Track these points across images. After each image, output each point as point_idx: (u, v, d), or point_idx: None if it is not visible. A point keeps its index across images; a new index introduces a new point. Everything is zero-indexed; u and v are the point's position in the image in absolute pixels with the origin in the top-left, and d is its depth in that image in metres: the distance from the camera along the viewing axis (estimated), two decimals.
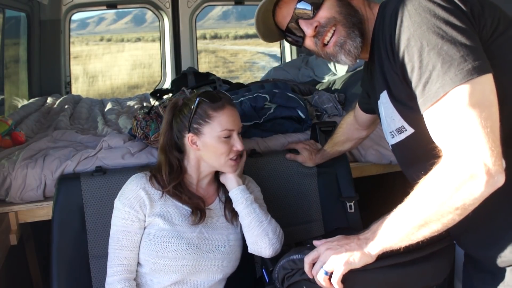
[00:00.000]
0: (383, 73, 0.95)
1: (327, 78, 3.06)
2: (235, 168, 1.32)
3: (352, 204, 1.67)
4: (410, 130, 0.94)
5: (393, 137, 1.00)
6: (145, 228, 1.29)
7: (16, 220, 1.53)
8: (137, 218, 1.27)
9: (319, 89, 2.71)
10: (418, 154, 0.95)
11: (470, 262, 1.06)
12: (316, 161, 1.66)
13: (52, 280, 1.40)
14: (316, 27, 1.00)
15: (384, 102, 0.97)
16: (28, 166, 1.54)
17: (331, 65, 3.10)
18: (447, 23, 0.81)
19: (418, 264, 0.98)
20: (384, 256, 0.94)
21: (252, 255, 1.42)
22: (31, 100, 2.90)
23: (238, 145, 1.29)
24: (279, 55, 4.45)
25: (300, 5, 1.01)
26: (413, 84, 0.84)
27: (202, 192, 1.37)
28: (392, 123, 0.98)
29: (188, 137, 1.29)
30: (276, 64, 4.85)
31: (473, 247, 1.02)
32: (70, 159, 1.57)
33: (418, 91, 0.83)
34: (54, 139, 1.85)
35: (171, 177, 1.30)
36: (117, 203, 1.30)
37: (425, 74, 0.81)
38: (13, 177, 1.52)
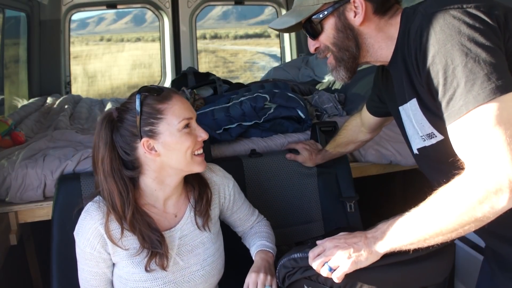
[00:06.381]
0: (411, 82, 0.95)
1: (327, 78, 3.06)
2: (204, 164, 1.17)
3: (352, 204, 1.67)
4: (439, 137, 0.95)
5: (424, 140, 1.01)
6: (113, 264, 1.16)
7: (16, 220, 1.53)
8: (102, 258, 1.13)
9: (319, 89, 2.71)
10: (447, 159, 0.94)
11: (495, 261, 1.07)
12: (317, 161, 1.66)
13: (52, 280, 1.40)
14: (316, 48, 1.08)
15: (413, 109, 0.98)
16: (28, 166, 1.54)
17: None
18: (472, 40, 0.81)
19: (419, 263, 0.98)
20: (386, 255, 0.95)
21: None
22: (31, 100, 2.90)
23: (202, 133, 1.15)
24: (279, 55, 4.44)
25: (304, 28, 1.06)
26: (438, 100, 0.85)
27: (172, 210, 1.21)
28: (422, 129, 0.99)
29: (143, 144, 1.10)
30: (276, 64, 4.84)
31: (500, 244, 1.02)
32: (70, 159, 1.57)
33: (442, 107, 0.85)
34: (54, 139, 1.85)
35: (126, 209, 1.11)
36: (77, 239, 1.14)
37: (449, 91, 0.82)
38: (13, 177, 1.52)
